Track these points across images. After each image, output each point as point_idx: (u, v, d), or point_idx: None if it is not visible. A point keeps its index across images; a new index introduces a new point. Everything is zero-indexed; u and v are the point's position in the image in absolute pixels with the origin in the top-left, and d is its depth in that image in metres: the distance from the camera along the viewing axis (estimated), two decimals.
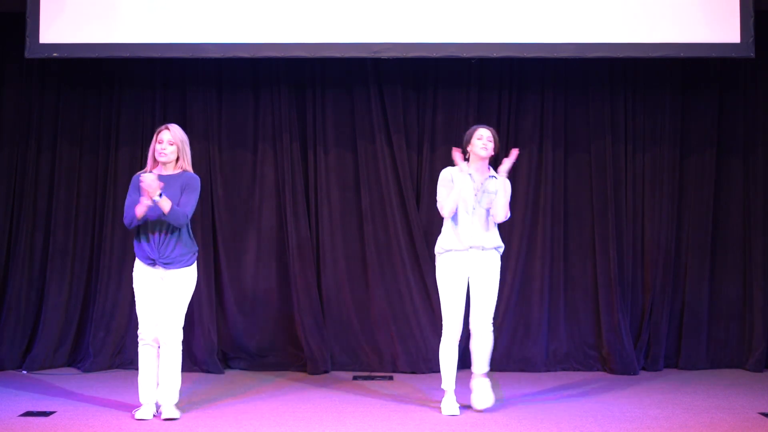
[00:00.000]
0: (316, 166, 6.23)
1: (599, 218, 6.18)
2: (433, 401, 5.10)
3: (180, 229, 4.65)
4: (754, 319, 6.17)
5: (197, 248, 4.78)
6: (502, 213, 4.84)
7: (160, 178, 4.61)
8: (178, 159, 4.71)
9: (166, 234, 4.62)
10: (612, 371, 6.01)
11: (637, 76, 6.26)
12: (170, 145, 4.67)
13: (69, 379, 5.77)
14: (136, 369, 6.00)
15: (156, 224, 4.61)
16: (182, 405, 4.87)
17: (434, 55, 5.81)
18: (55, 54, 5.79)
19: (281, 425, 4.54)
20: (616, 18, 5.73)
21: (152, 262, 4.63)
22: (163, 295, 4.67)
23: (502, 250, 4.93)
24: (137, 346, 6.07)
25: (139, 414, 4.65)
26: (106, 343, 6.10)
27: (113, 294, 6.15)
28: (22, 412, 4.76)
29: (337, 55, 5.83)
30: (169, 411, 4.65)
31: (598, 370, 6.11)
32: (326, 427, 4.51)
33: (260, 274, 6.21)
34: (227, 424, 4.58)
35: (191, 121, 6.21)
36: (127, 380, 5.69)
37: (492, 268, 4.85)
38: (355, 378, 5.87)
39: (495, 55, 5.80)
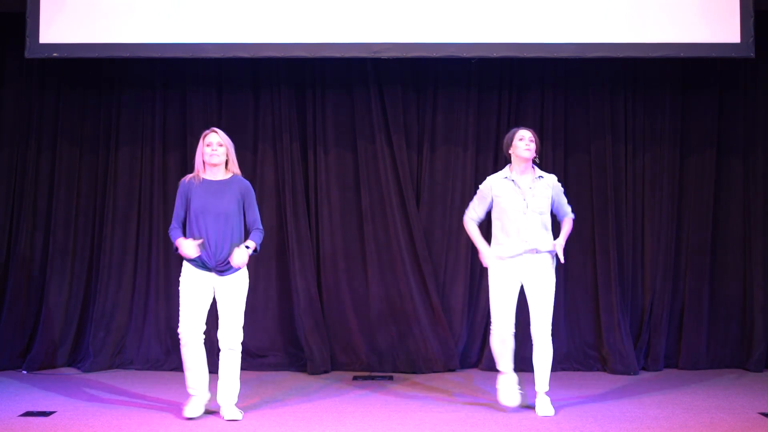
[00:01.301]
0: (316, 166, 6.23)
1: (599, 218, 6.18)
2: (434, 401, 5.11)
3: (234, 236, 4.65)
4: (754, 319, 6.17)
5: None
6: (568, 211, 4.88)
7: (212, 184, 4.62)
8: (226, 162, 4.70)
9: (222, 242, 4.62)
10: (612, 371, 6.01)
11: (637, 76, 6.26)
12: (219, 146, 4.66)
13: (69, 379, 5.78)
14: (136, 369, 6.08)
15: (212, 232, 4.60)
16: (182, 405, 4.88)
17: (434, 55, 5.81)
18: (55, 54, 5.79)
19: (281, 425, 4.55)
20: (616, 18, 5.73)
21: (207, 268, 4.63)
22: (219, 301, 4.67)
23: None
24: (137, 346, 6.15)
25: (188, 411, 4.63)
26: (106, 343, 6.10)
27: (113, 294, 6.16)
28: (22, 412, 4.76)
29: (337, 55, 5.83)
30: (231, 412, 4.66)
31: (598, 370, 6.11)
32: (326, 427, 4.52)
33: (260, 274, 6.21)
34: (227, 423, 4.58)
35: (191, 121, 6.21)
36: (127, 380, 5.70)
37: (546, 271, 4.80)
38: (355, 378, 5.87)
39: (495, 55, 5.80)
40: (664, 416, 4.74)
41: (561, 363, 6.12)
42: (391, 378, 5.89)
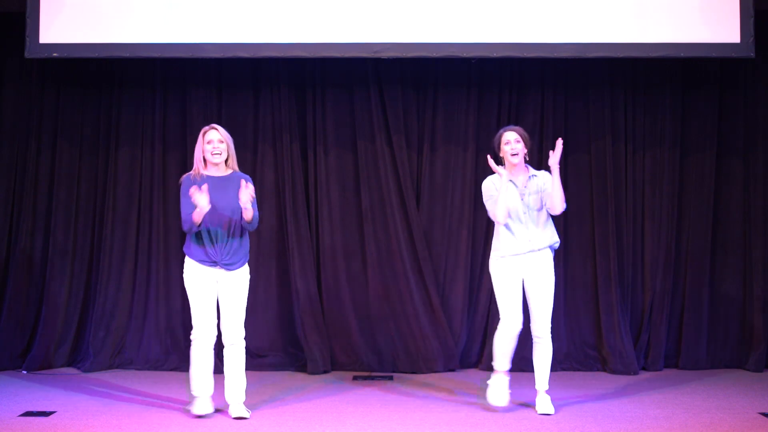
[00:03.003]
0: (316, 166, 6.23)
1: (599, 218, 6.18)
2: (434, 401, 5.11)
3: (244, 232, 4.66)
4: (754, 319, 6.17)
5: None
6: (559, 206, 4.80)
7: (215, 180, 4.61)
8: (227, 159, 4.69)
9: (231, 237, 4.62)
10: (612, 371, 6.01)
11: (637, 76, 6.26)
12: (221, 143, 4.64)
13: (69, 379, 5.77)
14: (136, 369, 6.07)
15: (219, 228, 4.60)
16: (181, 404, 4.88)
17: (434, 55, 5.81)
18: (55, 54, 5.79)
19: (281, 425, 4.55)
20: (616, 18, 5.73)
21: (213, 264, 4.62)
22: (222, 296, 4.66)
23: (557, 245, 4.91)
24: (137, 346, 6.15)
25: (197, 408, 4.62)
26: (106, 343, 6.10)
27: (113, 294, 6.16)
28: (22, 412, 4.76)
29: (337, 55, 5.83)
30: (239, 410, 4.67)
31: (598, 370, 6.11)
32: (326, 427, 4.52)
33: (260, 274, 6.21)
34: (227, 423, 4.58)
35: (191, 121, 6.21)
36: (127, 380, 5.70)
37: (546, 267, 4.82)
38: (355, 378, 5.87)
39: (495, 55, 5.80)
40: (664, 416, 4.74)
41: (561, 363, 6.12)
42: (391, 378, 5.89)
